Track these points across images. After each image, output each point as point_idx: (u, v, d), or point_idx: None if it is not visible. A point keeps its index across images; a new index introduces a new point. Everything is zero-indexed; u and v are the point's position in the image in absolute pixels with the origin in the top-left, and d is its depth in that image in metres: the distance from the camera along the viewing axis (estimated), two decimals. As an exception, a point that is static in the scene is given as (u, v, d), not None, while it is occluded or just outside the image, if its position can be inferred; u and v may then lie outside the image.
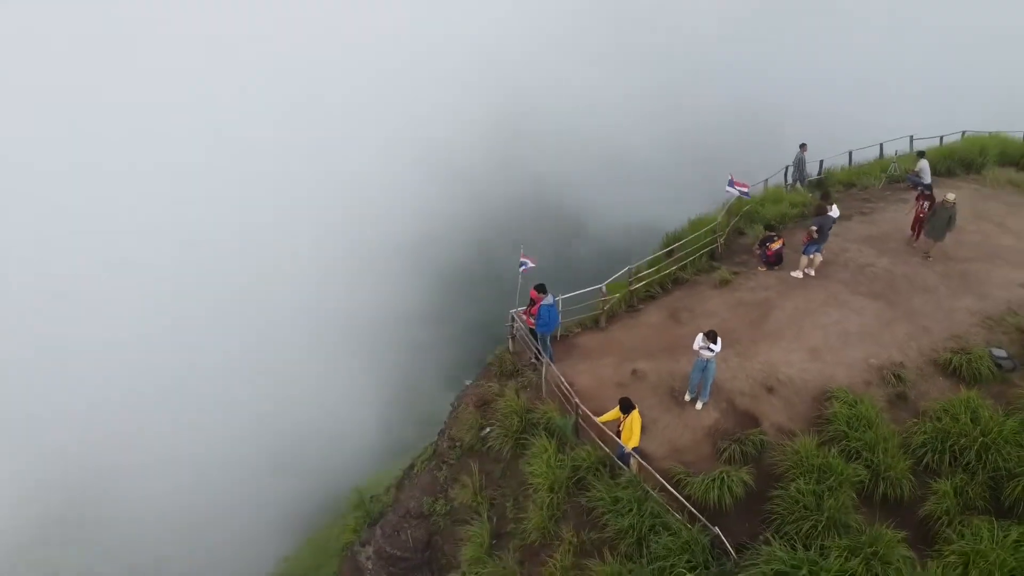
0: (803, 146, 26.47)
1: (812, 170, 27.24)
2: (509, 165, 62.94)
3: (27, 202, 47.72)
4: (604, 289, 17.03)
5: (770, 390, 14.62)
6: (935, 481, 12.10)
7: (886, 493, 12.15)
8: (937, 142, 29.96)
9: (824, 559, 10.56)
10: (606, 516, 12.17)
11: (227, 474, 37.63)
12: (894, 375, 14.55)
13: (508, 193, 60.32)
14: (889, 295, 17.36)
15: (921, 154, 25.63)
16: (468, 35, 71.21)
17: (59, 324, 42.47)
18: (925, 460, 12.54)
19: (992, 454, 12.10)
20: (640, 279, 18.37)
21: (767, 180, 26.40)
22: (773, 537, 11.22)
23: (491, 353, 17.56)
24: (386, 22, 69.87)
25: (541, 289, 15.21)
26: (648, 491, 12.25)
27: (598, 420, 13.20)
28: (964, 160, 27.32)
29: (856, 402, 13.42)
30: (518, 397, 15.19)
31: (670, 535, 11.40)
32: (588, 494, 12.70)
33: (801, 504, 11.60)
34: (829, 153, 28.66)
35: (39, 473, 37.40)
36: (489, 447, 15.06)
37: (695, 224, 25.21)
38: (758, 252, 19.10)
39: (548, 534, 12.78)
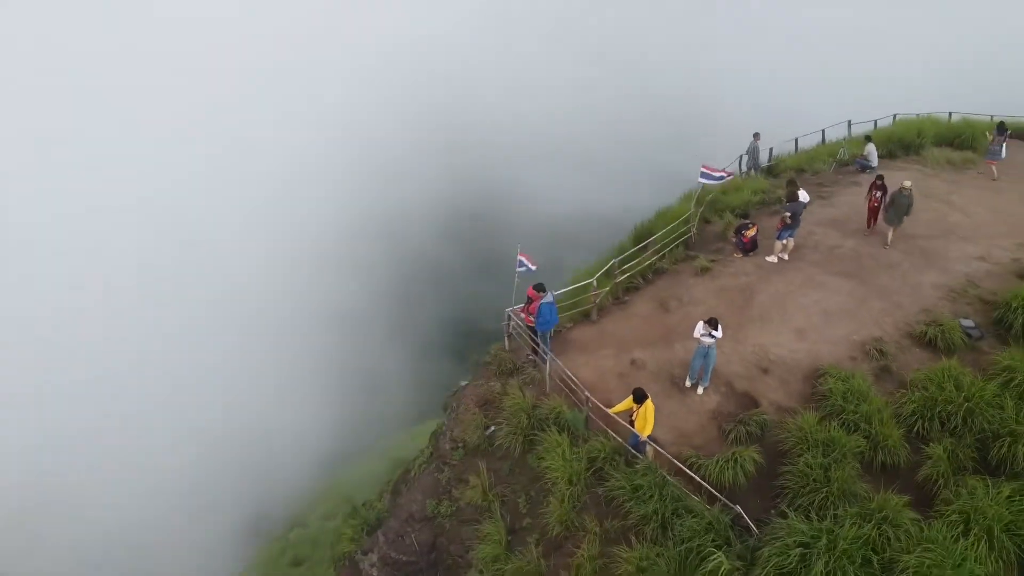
0: (756, 135, 27.55)
1: (764, 158, 28.39)
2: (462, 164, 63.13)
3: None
4: (595, 283, 17.38)
5: (764, 371, 15.30)
6: (927, 447, 12.95)
7: (884, 461, 12.92)
8: (872, 125, 31.73)
9: (839, 527, 11.19)
10: (628, 504, 12.54)
11: (179, 482, 36.74)
12: (876, 350, 15.43)
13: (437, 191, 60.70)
14: (860, 274, 18.34)
15: (868, 139, 27.10)
16: (407, 32, 71.13)
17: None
18: (916, 428, 13.39)
19: (977, 418, 13.01)
20: (624, 271, 18.85)
21: (724, 169, 27.33)
22: (788, 510, 11.81)
23: (487, 353, 17.68)
24: (327, 18, 69.14)
25: (540, 288, 15.46)
26: (666, 477, 12.68)
27: (611, 411, 13.56)
28: (903, 142, 28.88)
29: (848, 377, 14.21)
30: (523, 394, 15.39)
31: (694, 517, 11.85)
32: (607, 484, 13.04)
33: (811, 477, 12.24)
34: (774, 140, 29.93)
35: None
36: (499, 445, 15.20)
37: (662, 215, 25.95)
38: (734, 239, 19.83)
39: (571, 526, 13.06)
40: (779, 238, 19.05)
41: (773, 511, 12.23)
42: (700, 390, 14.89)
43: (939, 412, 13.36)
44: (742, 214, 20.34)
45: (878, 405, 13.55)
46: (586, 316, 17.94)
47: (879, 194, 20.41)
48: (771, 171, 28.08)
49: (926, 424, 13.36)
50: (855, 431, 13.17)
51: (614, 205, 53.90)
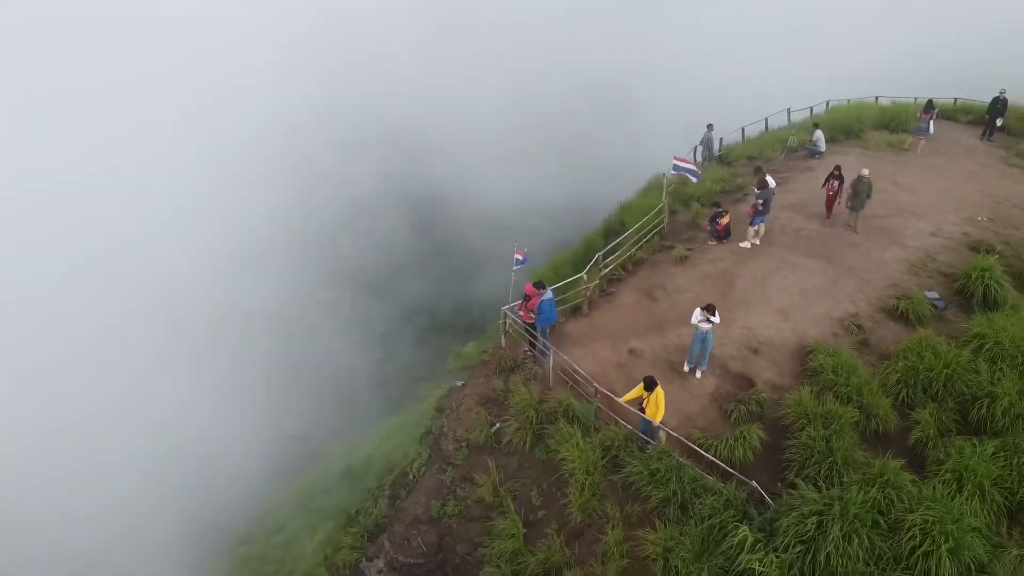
0: (710, 126, 28.55)
1: (716, 148, 29.44)
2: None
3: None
4: (585, 277, 17.79)
5: (755, 351, 16.08)
6: (914, 412, 13.94)
7: (876, 429, 13.85)
8: (808, 112, 33.39)
9: (848, 494, 11.96)
10: (647, 488, 13.03)
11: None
12: (855, 325, 16.43)
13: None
14: (828, 255, 19.39)
15: (816, 125, 28.45)
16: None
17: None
18: (901, 395, 14.40)
19: (956, 383, 14.10)
20: (607, 263, 19.37)
21: (695, 161, 28.25)
22: (798, 480, 12.53)
23: (485, 352, 17.86)
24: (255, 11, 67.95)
25: (539, 285, 15.77)
26: (680, 459, 13.23)
27: (621, 400, 14.03)
28: (844, 127, 30.47)
29: (835, 352, 15.11)
30: (528, 390, 15.68)
31: (712, 495, 12.43)
32: (624, 470, 13.50)
33: (815, 449, 13.01)
34: (722, 130, 31.01)
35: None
36: (508, 441, 15.44)
37: (626, 208, 26.68)
38: (708, 228, 20.60)
39: (593, 514, 13.46)
40: (751, 224, 19.91)
41: (780, 484, 12.96)
42: (699, 374, 15.53)
43: (921, 379, 14.40)
44: (715, 203, 21.12)
45: (866, 377, 14.49)
46: (576, 310, 18.35)
47: (836, 184, 21.31)
48: (722, 160, 29.18)
49: (910, 392, 14.37)
50: (848, 402, 14.04)
51: (557, 197, 55.14)
